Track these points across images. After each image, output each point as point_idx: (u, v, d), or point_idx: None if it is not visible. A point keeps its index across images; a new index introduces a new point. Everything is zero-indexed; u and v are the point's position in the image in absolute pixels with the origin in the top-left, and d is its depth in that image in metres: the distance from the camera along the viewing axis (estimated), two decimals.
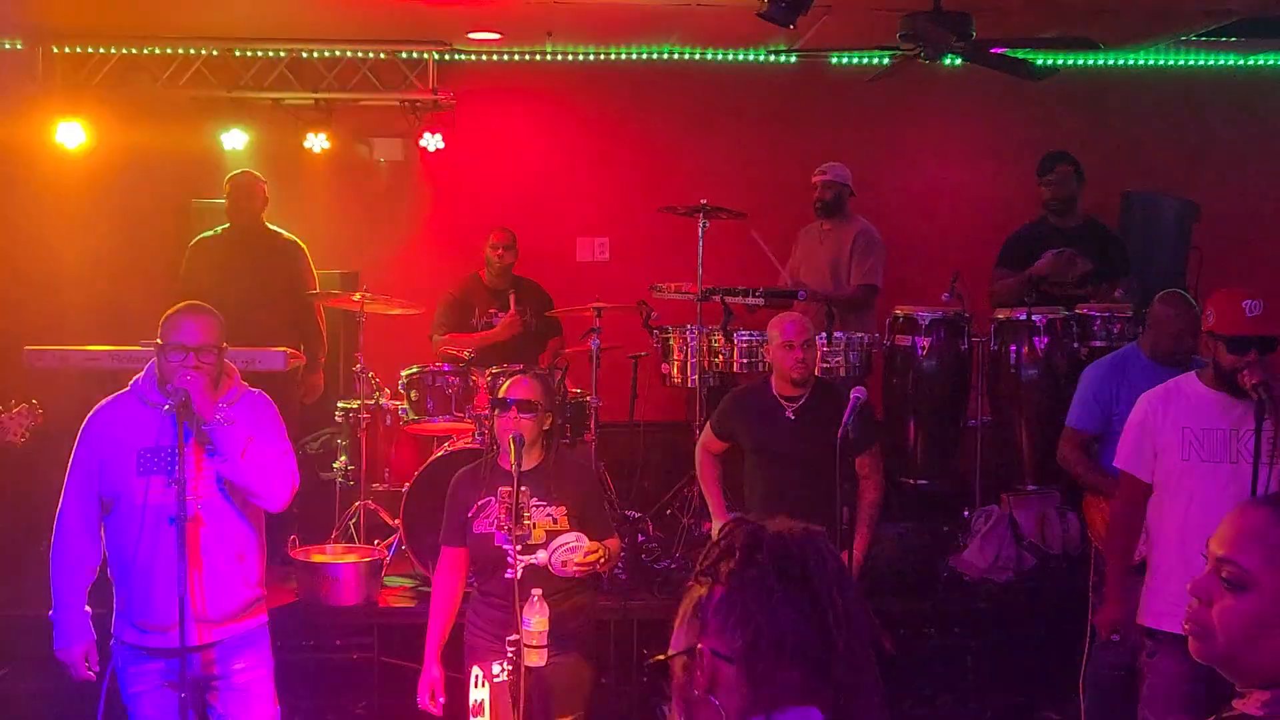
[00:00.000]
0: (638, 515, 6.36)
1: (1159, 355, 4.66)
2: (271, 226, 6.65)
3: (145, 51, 7.44)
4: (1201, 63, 8.15)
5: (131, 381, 3.82)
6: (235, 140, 7.38)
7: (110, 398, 3.83)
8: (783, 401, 4.74)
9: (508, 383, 4.01)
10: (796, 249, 7.02)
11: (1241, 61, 8.12)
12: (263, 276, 6.43)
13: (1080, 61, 7.67)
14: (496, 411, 3.98)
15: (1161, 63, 8.11)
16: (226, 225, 6.59)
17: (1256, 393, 3.64)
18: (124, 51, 7.42)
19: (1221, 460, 3.82)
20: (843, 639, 1.66)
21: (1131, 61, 8.06)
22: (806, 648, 1.65)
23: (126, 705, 3.79)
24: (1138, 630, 4.02)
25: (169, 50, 7.43)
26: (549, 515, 3.94)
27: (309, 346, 6.51)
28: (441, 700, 4.02)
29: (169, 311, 3.75)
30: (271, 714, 3.90)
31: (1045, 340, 6.09)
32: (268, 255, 6.55)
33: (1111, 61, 7.96)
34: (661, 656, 1.76)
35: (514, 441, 3.79)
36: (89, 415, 3.80)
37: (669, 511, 6.50)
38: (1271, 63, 8.15)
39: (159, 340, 3.70)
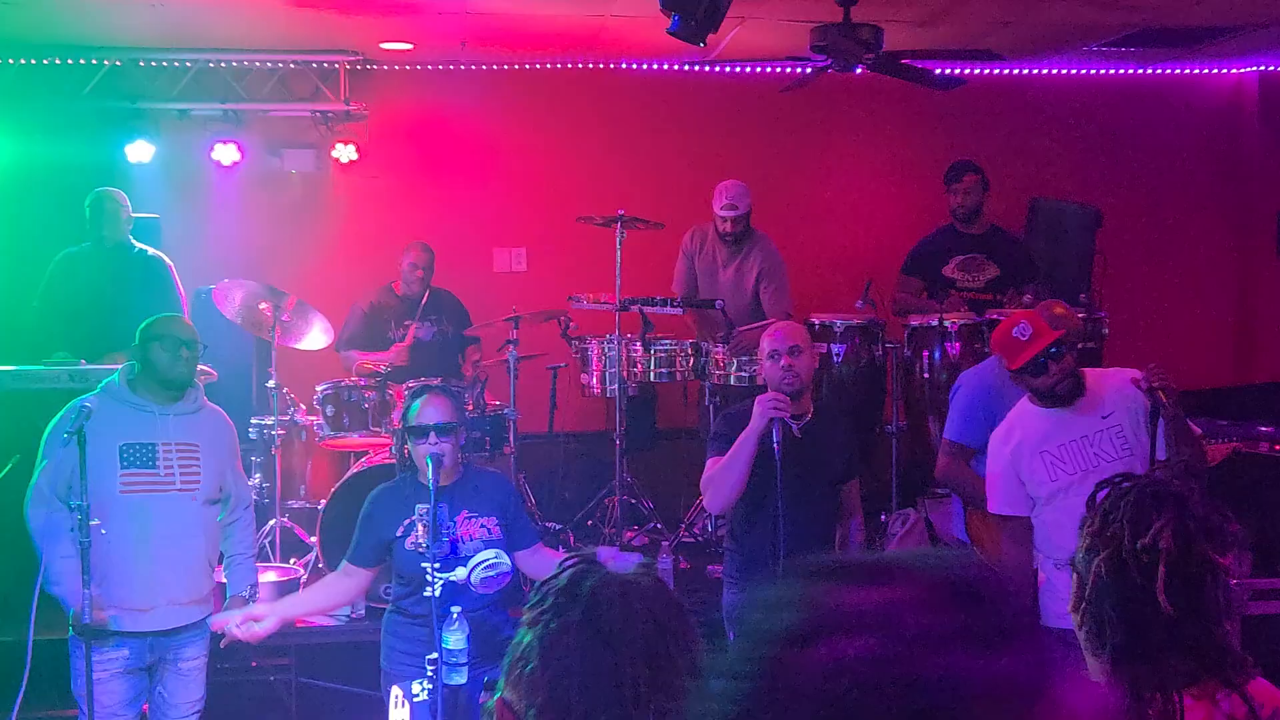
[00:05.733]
0: (559, 527, 6.35)
1: None
2: (137, 244, 6.48)
3: (46, 62, 7.25)
4: (1103, 72, 8.38)
5: (105, 383, 4.23)
6: (141, 152, 7.21)
7: (85, 398, 4.13)
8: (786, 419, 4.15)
9: (419, 405, 3.92)
10: (692, 261, 6.88)
11: (1142, 71, 8.37)
12: (129, 293, 6.25)
13: (986, 72, 7.84)
14: (412, 437, 3.91)
15: (1065, 73, 8.33)
16: (89, 242, 6.44)
17: (1153, 397, 3.74)
18: (24, 62, 7.22)
19: (1086, 469, 3.90)
20: (654, 697, 1.56)
21: (1036, 71, 8.25)
22: (607, 707, 1.56)
23: (78, 696, 4.05)
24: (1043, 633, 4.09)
25: (71, 60, 7.24)
26: (483, 527, 3.91)
27: None
28: (237, 625, 3.87)
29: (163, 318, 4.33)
30: (202, 696, 4.34)
31: (957, 346, 6.20)
32: (133, 272, 6.39)
33: (1016, 71, 8.14)
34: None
35: (431, 460, 3.76)
36: (60, 416, 4.10)
37: (590, 522, 6.49)
38: (1170, 72, 8.41)
39: (165, 333, 4.18)
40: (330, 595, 4.21)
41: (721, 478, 4.13)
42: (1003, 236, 6.80)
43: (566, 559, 1.68)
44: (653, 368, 6.30)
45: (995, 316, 6.24)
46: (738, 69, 7.95)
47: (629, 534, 6.34)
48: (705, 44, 4.95)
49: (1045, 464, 3.95)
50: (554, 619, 1.59)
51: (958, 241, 6.70)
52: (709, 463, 4.25)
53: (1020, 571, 4.17)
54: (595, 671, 1.56)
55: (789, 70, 7.40)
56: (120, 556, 4.03)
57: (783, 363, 4.16)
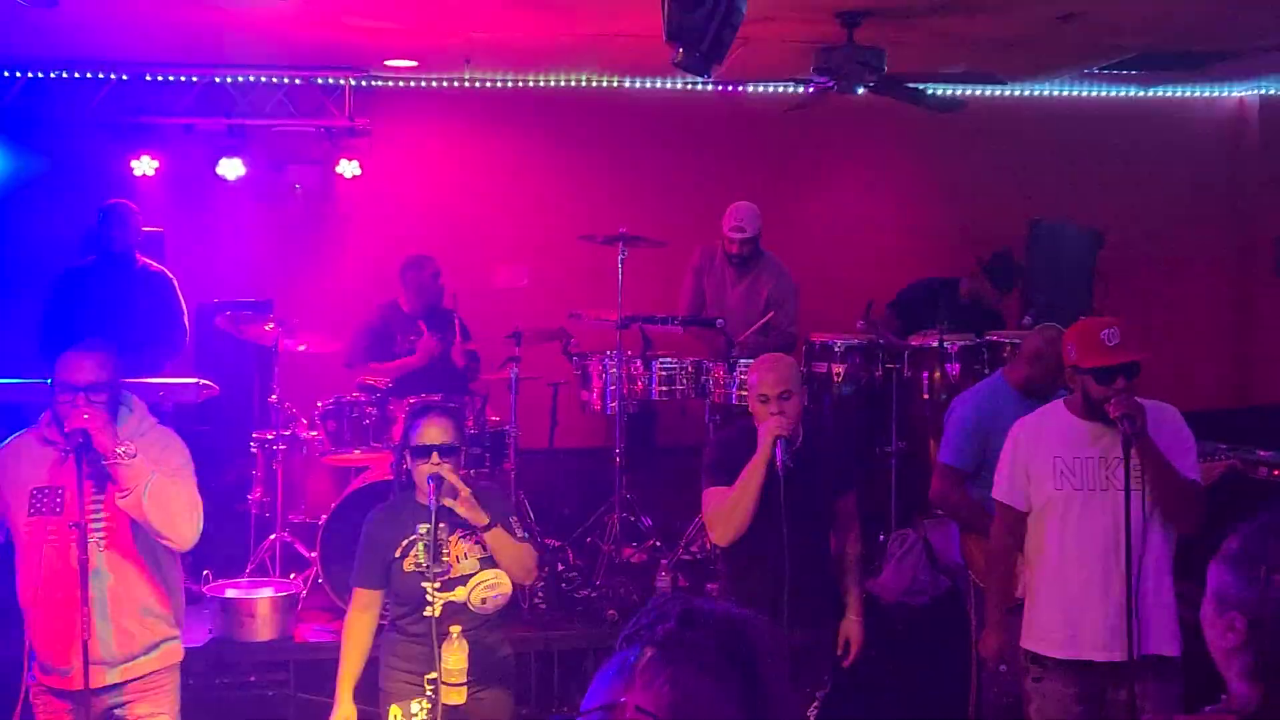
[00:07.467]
0: (557, 544, 6.35)
1: (1033, 390, 4.65)
2: (141, 258, 6.48)
3: (52, 75, 7.29)
4: (1104, 94, 8.41)
5: (41, 417, 3.80)
6: (145, 166, 7.24)
7: (15, 435, 3.83)
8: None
9: (421, 424, 3.89)
10: (700, 278, 6.86)
11: (1142, 93, 8.40)
12: (132, 309, 6.26)
13: (988, 93, 7.88)
14: (414, 458, 3.89)
15: (1066, 94, 8.36)
16: (95, 257, 6.43)
17: (1122, 424, 3.69)
18: (30, 75, 7.26)
19: (1094, 488, 3.87)
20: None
21: (1037, 93, 8.28)
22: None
23: None
24: (1021, 654, 4.06)
25: (77, 74, 7.28)
26: (477, 543, 3.89)
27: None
28: None
29: (66, 353, 3.73)
30: None
31: (957, 367, 6.21)
32: (135, 288, 6.38)
33: (1018, 93, 8.16)
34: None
35: (432, 481, 3.76)
36: None
37: (588, 539, 6.50)
38: (1170, 94, 8.44)
39: (56, 378, 3.68)
40: (361, 638, 3.96)
41: (732, 510, 4.05)
42: (986, 302, 6.80)
43: (663, 600, 1.68)
44: (653, 385, 6.31)
45: (995, 338, 6.27)
46: (741, 89, 7.98)
47: (627, 551, 6.34)
48: (710, 75, 4.95)
49: (1054, 469, 3.93)
50: (685, 631, 1.59)
51: (942, 292, 6.70)
52: (709, 493, 4.18)
53: (1003, 560, 4.18)
54: (728, 682, 1.56)
55: (792, 91, 7.43)
56: (41, 611, 3.66)
57: (773, 408, 4.05)
